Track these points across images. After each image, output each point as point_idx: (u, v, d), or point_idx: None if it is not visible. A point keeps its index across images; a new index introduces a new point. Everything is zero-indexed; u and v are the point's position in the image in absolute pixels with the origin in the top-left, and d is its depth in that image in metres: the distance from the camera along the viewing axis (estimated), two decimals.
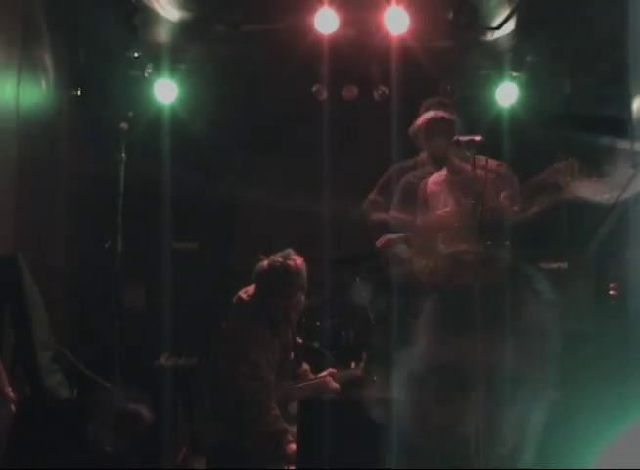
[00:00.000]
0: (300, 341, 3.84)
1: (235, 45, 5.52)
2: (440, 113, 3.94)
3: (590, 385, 3.58)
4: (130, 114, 4.81)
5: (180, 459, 3.83)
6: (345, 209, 4.44)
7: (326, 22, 5.04)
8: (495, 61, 5.77)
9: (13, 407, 2.49)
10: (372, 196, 4.34)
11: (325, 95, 5.80)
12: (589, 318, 4.69)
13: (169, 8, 5.14)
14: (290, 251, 3.59)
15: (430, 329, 3.67)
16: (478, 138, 3.61)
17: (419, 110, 4.07)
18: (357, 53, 5.50)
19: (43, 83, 4.29)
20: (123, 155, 4.56)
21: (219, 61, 5.76)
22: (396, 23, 5.00)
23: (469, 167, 3.76)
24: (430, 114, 3.96)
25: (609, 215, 4.44)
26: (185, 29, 5.37)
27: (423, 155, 4.16)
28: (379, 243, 3.98)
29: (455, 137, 3.66)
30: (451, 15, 5.21)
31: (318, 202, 5.16)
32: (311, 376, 3.73)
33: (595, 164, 4.18)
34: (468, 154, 3.85)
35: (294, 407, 3.41)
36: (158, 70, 5.50)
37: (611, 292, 4.87)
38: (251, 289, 3.55)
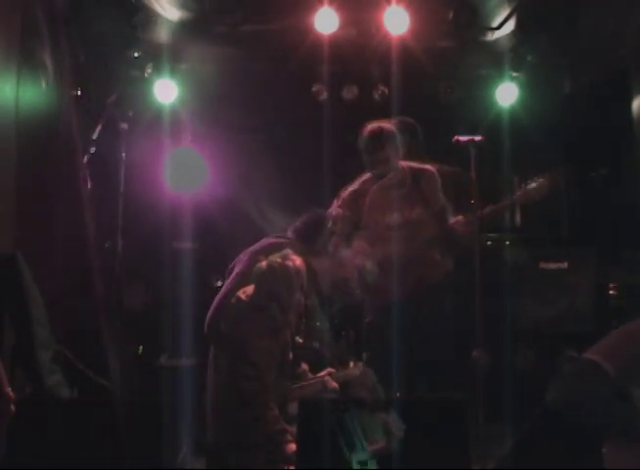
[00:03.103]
0: (300, 341, 3.84)
1: (235, 45, 5.53)
2: (381, 124, 4.09)
3: None
4: (130, 114, 4.82)
5: (180, 459, 3.83)
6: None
7: (326, 22, 5.05)
8: (495, 61, 5.77)
9: (13, 407, 2.48)
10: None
11: (325, 95, 5.80)
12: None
13: (169, 8, 5.15)
14: (288, 251, 3.59)
15: None
16: (477, 138, 3.63)
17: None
18: (357, 53, 5.50)
19: (43, 83, 4.29)
20: (123, 155, 4.56)
21: (219, 61, 5.76)
22: (396, 23, 5.01)
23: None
24: (371, 126, 4.10)
25: None
26: (185, 29, 5.37)
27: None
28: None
29: (455, 137, 3.68)
30: (451, 15, 5.22)
31: (318, 201, 5.15)
32: (310, 376, 3.73)
33: None
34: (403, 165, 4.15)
35: (293, 407, 3.40)
36: (158, 70, 5.50)
37: (611, 292, 4.88)
38: (250, 289, 3.54)
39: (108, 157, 4.67)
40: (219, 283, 4.64)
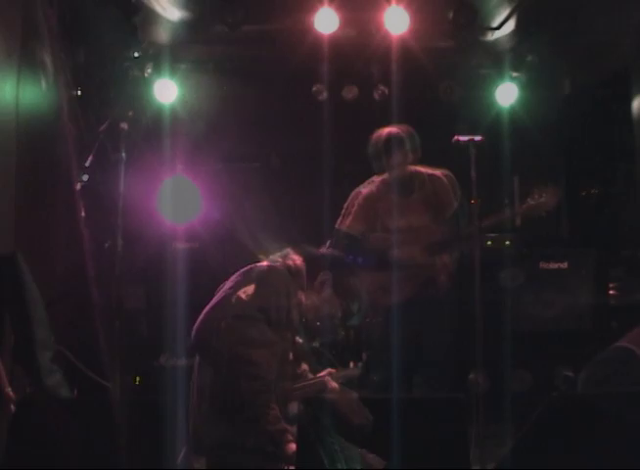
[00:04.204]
0: (300, 341, 3.83)
1: (235, 45, 5.53)
2: (389, 129, 4.10)
3: None
4: (130, 114, 4.82)
5: (180, 459, 3.82)
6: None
7: (326, 22, 5.06)
8: (495, 61, 5.77)
9: (13, 407, 2.49)
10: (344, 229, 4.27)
11: (325, 95, 5.80)
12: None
13: (169, 8, 5.15)
14: (289, 250, 3.58)
15: None
16: (477, 138, 3.63)
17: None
18: (357, 53, 5.51)
19: (43, 83, 4.29)
20: (123, 155, 4.56)
21: (219, 61, 5.77)
22: (396, 23, 5.01)
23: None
24: (379, 132, 4.10)
25: None
26: (185, 29, 5.38)
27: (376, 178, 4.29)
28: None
29: (455, 137, 3.68)
30: (451, 15, 5.22)
31: (317, 202, 5.16)
32: (310, 376, 3.72)
33: None
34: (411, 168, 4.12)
35: (293, 407, 3.40)
36: (158, 70, 5.50)
37: (610, 292, 4.88)
38: (251, 289, 3.54)
39: (101, 188, 4.66)
40: None
